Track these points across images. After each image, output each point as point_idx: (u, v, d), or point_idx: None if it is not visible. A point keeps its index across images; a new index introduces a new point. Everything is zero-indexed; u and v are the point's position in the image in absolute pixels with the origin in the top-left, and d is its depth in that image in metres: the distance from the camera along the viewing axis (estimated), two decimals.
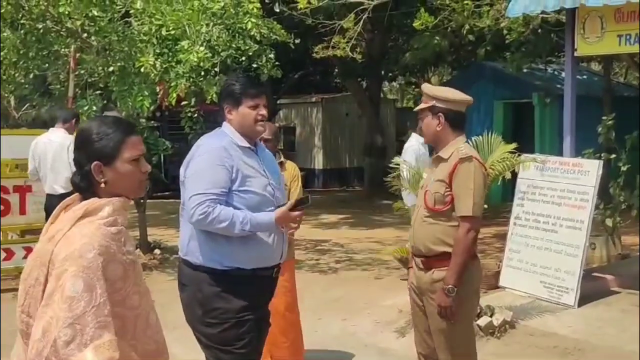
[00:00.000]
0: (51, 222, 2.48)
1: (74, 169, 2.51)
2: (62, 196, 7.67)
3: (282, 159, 5.59)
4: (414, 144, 7.96)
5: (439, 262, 4.06)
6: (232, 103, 3.82)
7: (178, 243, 3.95)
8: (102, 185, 2.44)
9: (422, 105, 4.20)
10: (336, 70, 22.90)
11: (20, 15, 8.77)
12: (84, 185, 2.46)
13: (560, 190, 7.53)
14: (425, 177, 4.33)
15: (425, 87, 4.30)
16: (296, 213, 3.75)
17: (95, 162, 2.43)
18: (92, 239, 2.30)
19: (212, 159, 3.64)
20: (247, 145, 3.82)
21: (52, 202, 7.76)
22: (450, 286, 3.94)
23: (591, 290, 7.35)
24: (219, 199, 3.58)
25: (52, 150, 7.93)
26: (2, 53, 8.81)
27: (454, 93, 4.22)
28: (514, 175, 7.71)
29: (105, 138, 2.45)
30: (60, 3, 8.27)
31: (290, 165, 5.65)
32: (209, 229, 3.61)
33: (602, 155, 8.44)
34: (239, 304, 3.69)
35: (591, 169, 7.37)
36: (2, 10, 8.41)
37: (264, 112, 3.85)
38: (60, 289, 2.24)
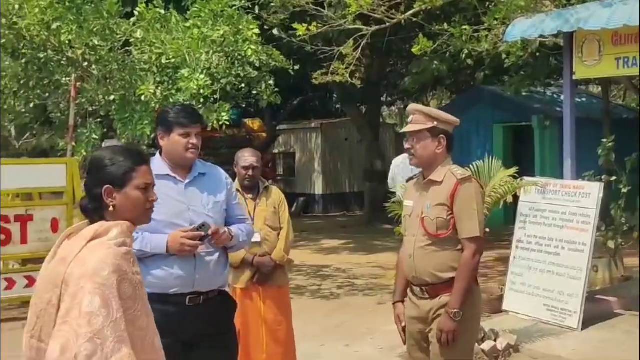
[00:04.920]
0: (55, 249, 2.51)
1: None
2: None
3: (267, 184, 5.71)
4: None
5: (447, 288, 3.93)
6: (164, 130, 3.90)
7: None
8: (111, 208, 2.52)
9: (420, 126, 3.99)
10: (335, 95, 23.02)
11: (22, 45, 8.82)
12: (92, 208, 2.53)
13: (562, 213, 7.53)
14: (411, 204, 4.12)
15: (422, 108, 4.15)
16: (187, 234, 3.70)
17: (106, 186, 2.52)
18: (106, 258, 2.36)
19: None
20: (167, 172, 3.87)
21: None
22: (456, 310, 3.83)
23: (594, 313, 7.33)
24: None
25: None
26: (3, 82, 8.84)
27: (449, 115, 4.12)
28: (516, 198, 7.71)
29: (118, 164, 2.56)
30: (62, 32, 8.33)
31: (276, 191, 5.73)
32: None
33: (603, 177, 8.45)
34: None
35: (592, 191, 7.38)
36: (4, 40, 8.46)
37: (194, 140, 3.89)
38: (77, 307, 2.29)
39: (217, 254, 3.90)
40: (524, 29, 7.79)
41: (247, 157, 5.49)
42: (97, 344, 2.26)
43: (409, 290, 4.15)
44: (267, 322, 5.45)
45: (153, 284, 3.62)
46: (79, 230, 2.54)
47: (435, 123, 3.99)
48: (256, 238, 5.38)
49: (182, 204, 3.86)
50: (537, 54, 10.72)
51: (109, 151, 2.62)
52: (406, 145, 4.11)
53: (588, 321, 7.16)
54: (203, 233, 3.73)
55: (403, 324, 4.18)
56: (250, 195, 5.54)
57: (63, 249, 2.48)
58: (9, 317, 8.47)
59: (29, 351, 2.41)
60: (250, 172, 5.46)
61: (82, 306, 2.28)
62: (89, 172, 2.57)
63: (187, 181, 3.92)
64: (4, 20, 8.30)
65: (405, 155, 8.85)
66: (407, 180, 4.38)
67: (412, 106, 4.18)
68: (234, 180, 5.54)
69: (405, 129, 4.09)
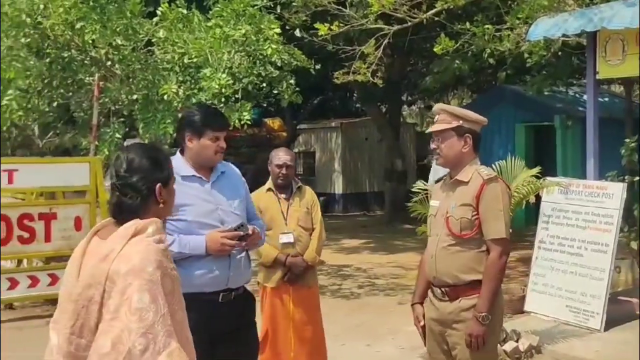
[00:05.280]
0: (85, 246, 2.57)
1: None
2: None
3: (300, 184, 5.71)
4: None
5: (467, 291, 3.86)
6: (193, 133, 3.94)
7: None
8: (161, 205, 2.65)
9: (445, 126, 3.93)
10: (355, 95, 23.01)
11: (46, 44, 8.89)
12: (139, 206, 2.60)
13: (584, 214, 7.49)
14: (437, 204, 4.06)
15: (448, 107, 4.07)
16: (227, 234, 3.79)
17: (158, 184, 2.63)
18: (149, 255, 2.43)
19: None
20: (193, 173, 3.94)
21: None
22: (484, 314, 3.75)
23: (617, 314, 7.28)
24: None
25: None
26: (28, 82, 8.92)
27: (475, 114, 4.05)
28: (538, 198, 7.67)
29: (162, 163, 2.69)
30: (85, 32, 8.39)
31: (309, 191, 5.75)
32: None
33: (626, 177, 8.39)
34: None
35: (615, 192, 7.33)
36: (29, 40, 8.53)
37: (223, 144, 3.99)
38: (127, 302, 2.35)
39: (244, 252, 3.99)
40: (547, 28, 7.75)
41: (281, 156, 5.53)
42: (149, 339, 2.33)
43: (429, 291, 4.10)
44: (295, 322, 5.49)
45: (189, 284, 3.67)
46: (107, 227, 2.61)
47: (461, 122, 3.93)
48: (289, 238, 5.43)
49: (211, 203, 3.91)
50: (559, 53, 10.66)
51: (143, 150, 2.70)
52: (432, 145, 4.04)
53: (610, 322, 7.12)
54: (242, 233, 3.83)
55: (422, 324, 4.15)
56: (283, 195, 5.57)
57: (98, 246, 2.53)
58: (33, 314, 8.57)
59: (67, 346, 2.45)
60: (283, 171, 5.49)
61: (132, 302, 2.35)
62: (134, 172, 2.63)
63: (211, 181, 3.98)
64: (28, 20, 8.38)
65: None
66: (436, 182, 4.32)
67: (438, 105, 4.13)
68: (267, 179, 5.63)
69: (431, 129, 4.03)
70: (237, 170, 4.22)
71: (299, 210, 5.55)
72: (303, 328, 5.53)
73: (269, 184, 5.59)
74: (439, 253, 3.94)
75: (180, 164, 3.88)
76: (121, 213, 2.60)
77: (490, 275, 3.80)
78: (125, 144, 14.11)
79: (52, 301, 8.75)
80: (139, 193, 2.61)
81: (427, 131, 4.09)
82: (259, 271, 5.62)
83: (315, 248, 5.57)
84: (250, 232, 3.86)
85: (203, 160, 3.96)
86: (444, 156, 3.98)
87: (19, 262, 9.16)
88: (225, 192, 3.99)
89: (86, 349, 2.42)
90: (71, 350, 2.44)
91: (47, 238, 8.57)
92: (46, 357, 2.55)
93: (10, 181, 8.31)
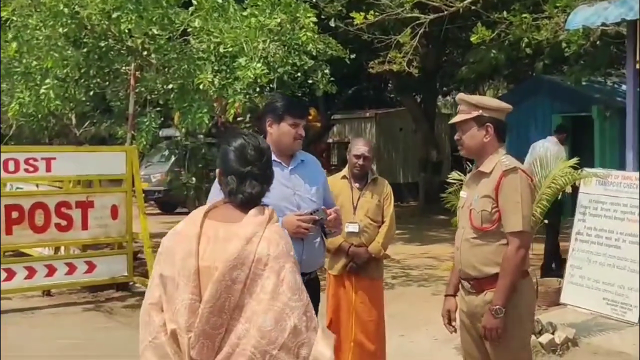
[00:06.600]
0: (198, 229, 2.64)
1: None
2: None
3: (376, 175, 5.73)
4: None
5: (492, 284, 3.78)
6: (274, 118, 4.12)
7: None
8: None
9: (465, 116, 3.90)
10: (390, 85, 22.91)
11: (83, 34, 8.97)
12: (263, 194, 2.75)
13: (623, 205, 7.39)
14: (465, 195, 4.03)
15: (467, 97, 4.01)
16: (303, 218, 3.89)
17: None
18: (287, 240, 2.63)
19: None
20: (274, 158, 4.03)
21: None
22: (497, 307, 3.69)
23: None
24: None
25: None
26: (65, 71, 9.01)
27: (498, 101, 4.00)
28: (575, 190, 7.58)
29: None
30: (122, 21, 8.44)
31: (384, 184, 5.74)
32: None
33: None
34: None
35: None
36: (66, 29, 8.60)
37: (301, 131, 4.17)
38: (284, 283, 2.51)
39: (319, 238, 4.10)
40: (586, 16, 7.64)
41: (359, 146, 5.56)
42: (308, 317, 2.52)
43: (460, 284, 4.07)
44: (357, 312, 5.52)
45: None
46: (218, 210, 2.71)
47: (480, 111, 3.87)
48: (354, 228, 5.46)
49: (288, 188, 4.05)
50: (598, 42, 10.50)
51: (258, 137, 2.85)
52: (455, 137, 4.02)
53: None
54: (317, 217, 3.94)
55: (447, 320, 4.14)
56: (357, 185, 5.59)
57: (222, 228, 2.63)
58: (69, 301, 8.68)
59: (203, 324, 2.52)
60: (360, 161, 5.51)
61: (289, 283, 2.52)
62: (268, 161, 2.77)
63: (290, 167, 4.14)
64: (66, 10, 8.45)
65: (544, 141, 9.45)
66: (468, 172, 4.30)
67: (458, 96, 4.09)
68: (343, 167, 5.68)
69: (452, 120, 4.04)
70: (318, 161, 4.38)
71: (369, 201, 5.55)
72: (364, 318, 5.54)
73: (345, 171, 5.65)
74: (463, 245, 3.92)
75: None
76: (258, 199, 2.70)
77: (507, 270, 3.72)
78: (161, 133, 14.19)
79: (89, 288, 8.86)
80: (265, 183, 2.76)
81: (449, 122, 4.07)
82: (325, 257, 5.69)
83: (381, 241, 5.54)
84: (328, 218, 3.96)
85: (282, 146, 4.11)
86: (466, 147, 3.95)
87: (57, 249, 9.29)
88: (303, 178, 4.14)
89: (220, 327, 2.52)
90: (206, 329, 2.52)
91: (84, 226, 8.69)
92: (148, 338, 2.60)
93: (48, 169, 8.44)
